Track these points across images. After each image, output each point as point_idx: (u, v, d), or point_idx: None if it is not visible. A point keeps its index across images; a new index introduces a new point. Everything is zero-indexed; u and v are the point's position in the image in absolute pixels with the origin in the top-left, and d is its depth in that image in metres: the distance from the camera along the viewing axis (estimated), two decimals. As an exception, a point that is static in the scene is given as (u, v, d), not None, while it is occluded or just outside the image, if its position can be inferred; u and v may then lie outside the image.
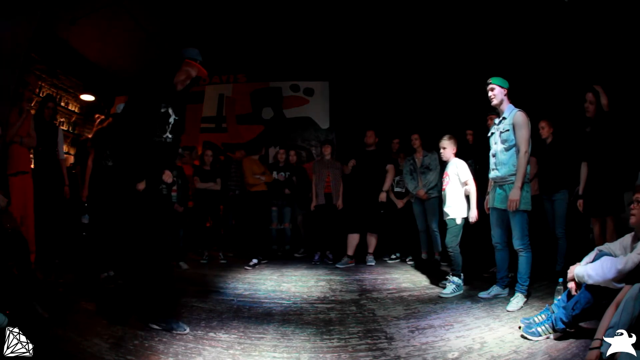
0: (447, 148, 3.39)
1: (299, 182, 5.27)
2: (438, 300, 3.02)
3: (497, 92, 2.84)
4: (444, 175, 3.44)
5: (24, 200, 3.19)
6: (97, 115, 3.98)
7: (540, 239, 3.52)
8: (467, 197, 3.27)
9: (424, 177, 4.37)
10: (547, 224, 3.77)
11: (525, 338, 2.11)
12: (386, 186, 4.53)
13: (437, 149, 3.61)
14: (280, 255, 5.10)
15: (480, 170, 3.74)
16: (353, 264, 4.45)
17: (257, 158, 4.80)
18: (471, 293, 3.12)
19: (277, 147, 5.26)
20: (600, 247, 2.18)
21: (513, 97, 2.92)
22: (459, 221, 3.25)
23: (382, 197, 4.51)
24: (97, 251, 3.37)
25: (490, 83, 2.87)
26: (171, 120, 2.25)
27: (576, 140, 3.44)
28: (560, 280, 2.36)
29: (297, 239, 5.55)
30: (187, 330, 2.22)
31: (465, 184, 3.26)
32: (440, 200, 3.80)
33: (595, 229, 3.15)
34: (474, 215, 3.21)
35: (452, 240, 3.24)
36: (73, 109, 6.36)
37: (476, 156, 3.94)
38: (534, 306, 2.68)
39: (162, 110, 2.21)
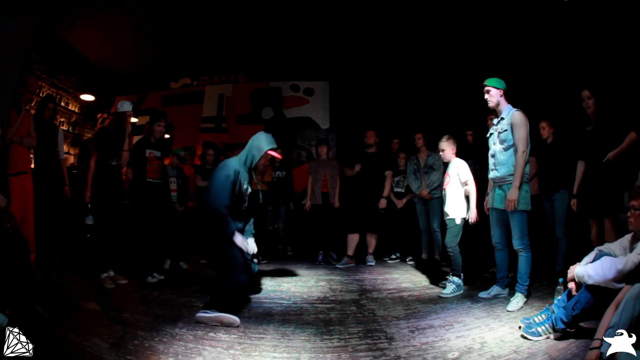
0: (446, 150, 3.38)
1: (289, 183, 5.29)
2: (438, 300, 3.02)
3: (493, 94, 2.84)
4: (445, 175, 3.44)
5: (24, 200, 3.18)
6: (99, 115, 3.97)
7: (540, 239, 3.51)
8: (467, 198, 3.27)
9: (427, 177, 4.37)
10: (547, 224, 3.77)
11: (526, 338, 2.11)
12: (386, 192, 4.53)
13: (437, 149, 3.61)
14: (270, 255, 5.04)
15: (480, 170, 3.74)
16: (353, 264, 4.46)
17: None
18: (471, 293, 3.13)
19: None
20: (600, 247, 2.18)
21: (514, 97, 2.91)
22: (458, 221, 3.25)
23: (383, 203, 4.50)
24: (99, 251, 3.37)
25: (486, 85, 2.85)
26: (247, 193, 2.80)
27: (575, 139, 3.40)
28: (560, 280, 2.36)
29: (292, 239, 5.58)
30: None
31: (465, 184, 3.26)
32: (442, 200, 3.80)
33: (592, 231, 3.09)
34: (473, 216, 3.21)
35: (452, 241, 3.24)
36: (73, 109, 6.36)
37: (476, 156, 3.94)
38: (534, 306, 2.68)
39: (244, 188, 2.74)
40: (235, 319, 2.36)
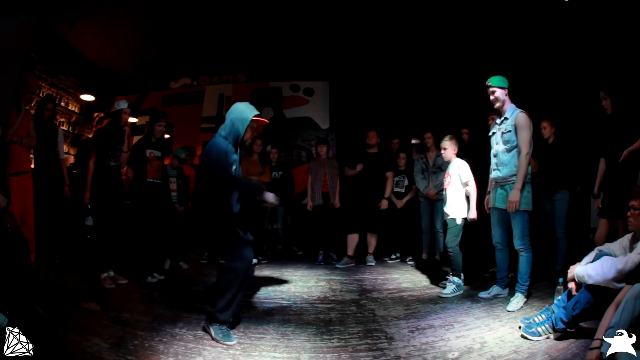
0: (448, 149, 3.38)
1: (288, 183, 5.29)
2: (438, 300, 3.02)
3: (498, 95, 2.81)
4: (446, 175, 3.43)
5: (24, 200, 3.18)
6: (96, 114, 3.97)
7: (540, 239, 3.51)
8: (468, 198, 3.27)
9: (436, 177, 4.36)
10: (547, 224, 3.76)
11: (526, 338, 2.11)
12: (387, 193, 4.52)
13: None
14: (270, 256, 5.03)
15: (475, 169, 3.72)
16: (353, 264, 4.46)
17: (256, 158, 4.81)
18: (471, 293, 3.13)
19: (268, 146, 5.25)
20: (600, 247, 2.19)
21: (515, 97, 2.90)
22: (459, 221, 3.25)
23: (384, 204, 4.50)
24: (99, 251, 3.37)
25: (490, 86, 2.82)
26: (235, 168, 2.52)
27: (593, 136, 3.26)
28: (560, 280, 2.36)
29: (291, 239, 5.59)
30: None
31: (466, 184, 3.26)
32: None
33: (600, 230, 2.94)
34: (473, 216, 3.20)
35: (452, 241, 3.24)
36: (73, 109, 6.35)
37: (471, 155, 3.93)
38: (534, 306, 2.68)
39: (236, 169, 2.47)
40: (231, 343, 2.14)
